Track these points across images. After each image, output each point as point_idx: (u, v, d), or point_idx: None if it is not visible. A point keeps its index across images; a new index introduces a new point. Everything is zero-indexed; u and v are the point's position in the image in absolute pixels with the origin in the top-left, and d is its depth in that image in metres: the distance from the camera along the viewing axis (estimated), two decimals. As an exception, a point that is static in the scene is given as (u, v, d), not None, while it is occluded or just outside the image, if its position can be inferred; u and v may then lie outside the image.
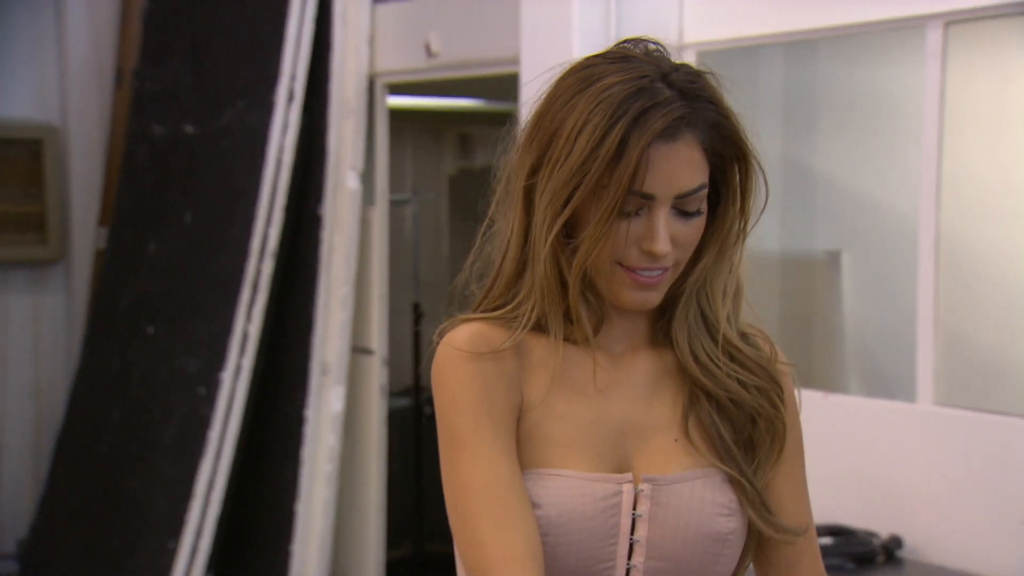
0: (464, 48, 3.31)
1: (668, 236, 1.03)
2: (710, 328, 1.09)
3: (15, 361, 4.15)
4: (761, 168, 1.08)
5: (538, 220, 1.05)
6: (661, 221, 1.03)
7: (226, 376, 3.40)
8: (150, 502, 3.49)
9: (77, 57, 4.18)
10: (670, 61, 1.06)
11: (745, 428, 1.09)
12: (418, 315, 4.37)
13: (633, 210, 1.03)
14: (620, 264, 1.05)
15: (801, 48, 2.84)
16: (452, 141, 4.95)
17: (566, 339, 1.09)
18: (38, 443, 4.15)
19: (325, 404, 3.50)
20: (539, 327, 1.09)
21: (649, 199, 1.02)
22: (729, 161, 1.05)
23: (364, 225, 3.61)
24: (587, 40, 2.61)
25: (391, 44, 3.53)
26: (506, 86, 3.06)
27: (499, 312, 1.09)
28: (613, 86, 1.01)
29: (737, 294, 1.10)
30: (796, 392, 1.14)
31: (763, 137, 2.89)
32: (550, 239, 1.04)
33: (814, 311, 2.85)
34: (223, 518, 3.38)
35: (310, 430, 3.46)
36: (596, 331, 1.10)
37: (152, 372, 3.63)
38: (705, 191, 1.04)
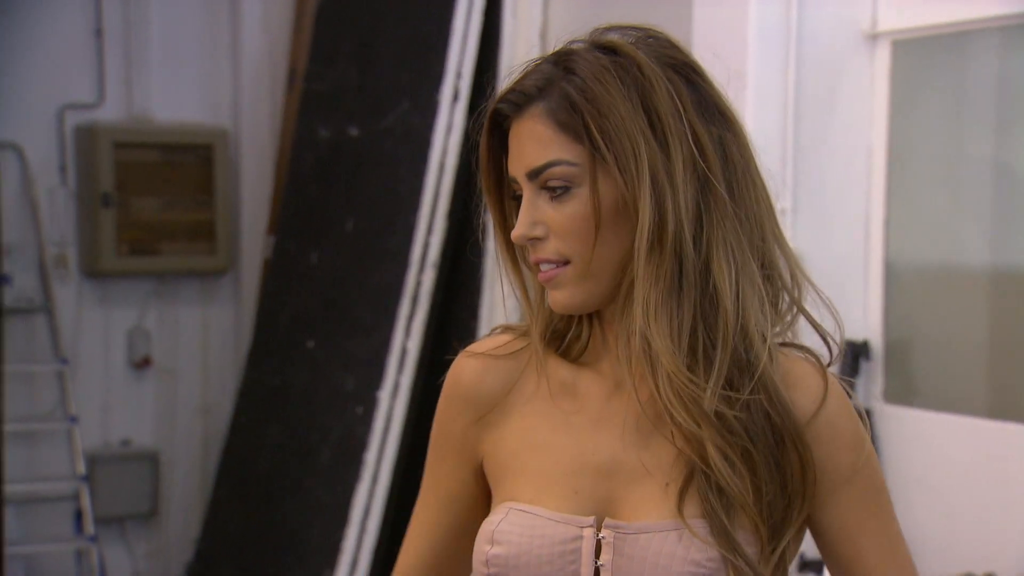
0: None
1: (527, 219, 1.06)
2: (653, 357, 1.03)
3: (184, 375, 4.42)
4: (728, 151, 1.05)
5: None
6: (523, 204, 1.08)
7: (384, 395, 3.54)
8: (306, 528, 3.69)
9: (251, 57, 4.45)
10: (596, 38, 1.11)
11: (765, 480, 1.03)
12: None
13: (518, 200, 1.09)
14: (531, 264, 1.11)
15: (1021, 34, 2.74)
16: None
17: (574, 360, 1.13)
18: (205, 462, 4.41)
19: (489, 428, 3.59)
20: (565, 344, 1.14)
21: (515, 183, 1.09)
22: (590, 139, 1.05)
23: (533, 235, 3.69)
24: (764, 34, 2.61)
25: (564, 38, 3.61)
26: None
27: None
28: None
29: (726, 311, 1.03)
30: (856, 425, 1.07)
31: (972, 138, 2.83)
32: (498, 246, 1.15)
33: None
34: (380, 547, 3.52)
35: (472, 455, 3.56)
36: (581, 349, 1.12)
37: (311, 390, 3.82)
38: (564, 167, 1.05)
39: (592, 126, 1.05)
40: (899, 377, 2.76)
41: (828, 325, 1.12)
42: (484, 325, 3.57)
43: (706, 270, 1.05)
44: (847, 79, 2.68)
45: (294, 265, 4.03)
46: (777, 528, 1.04)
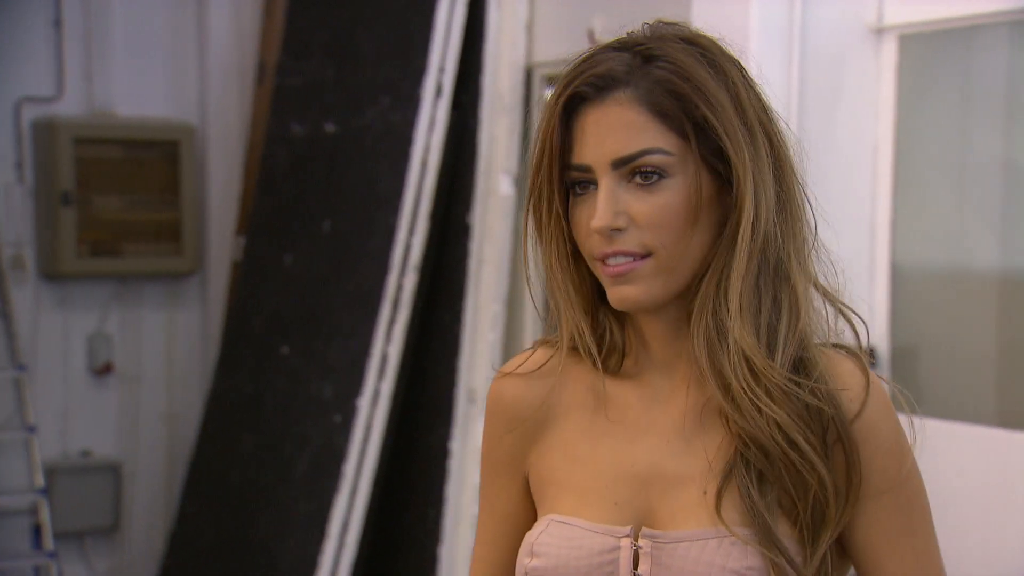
0: (631, 34, 3.35)
1: (609, 209, 1.05)
2: (733, 350, 1.05)
3: (148, 382, 4.37)
4: (751, 139, 1.06)
5: (534, 229, 1.13)
6: (601, 193, 1.06)
7: (363, 403, 3.53)
8: (280, 543, 3.66)
9: (219, 49, 4.41)
10: (662, 31, 1.10)
11: (799, 486, 1.04)
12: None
13: (582, 191, 1.08)
14: (596, 259, 1.09)
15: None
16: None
17: (613, 372, 1.13)
18: (170, 474, 4.36)
19: (472, 436, 3.58)
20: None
21: (587, 171, 1.07)
22: (693, 127, 1.06)
23: (518, 235, 3.68)
24: (767, 28, 2.61)
25: (551, 31, 3.60)
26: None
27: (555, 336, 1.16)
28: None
29: (796, 306, 1.06)
30: (901, 434, 1.08)
31: (981, 136, 2.83)
32: (542, 247, 1.12)
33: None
34: (359, 562, 3.50)
35: (455, 465, 3.55)
36: (619, 358, 1.13)
37: (286, 397, 3.80)
38: (660, 156, 1.05)
39: (696, 114, 1.05)
40: (906, 384, 2.76)
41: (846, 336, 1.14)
42: (468, 330, 3.56)
43: (780, 266, 1.07)
44: (852, 75, 2.69)
45: (267, 267, 4.00)
46: (817, 529, 1.04)
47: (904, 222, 2.79)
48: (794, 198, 1.10)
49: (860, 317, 1.13)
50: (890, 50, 2.68)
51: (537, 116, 1.11)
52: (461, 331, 3.57)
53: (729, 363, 1.05)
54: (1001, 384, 2.69)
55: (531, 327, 3.70)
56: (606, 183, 1.07)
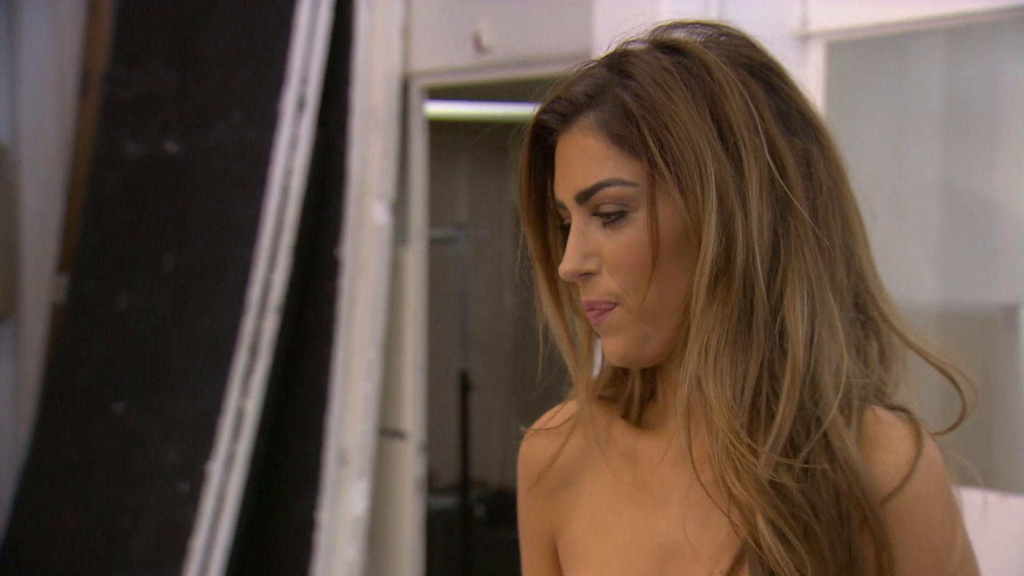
0: (523, 41, 3.39)
1: (576, 251, 1.07)
2: (708, 422, 1.03)
3: (-52, 447, 4.29)
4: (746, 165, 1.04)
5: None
6: (571, 234, 1.08)
7: (215, 468, 3.48)
8: (117, 633, 3.58)
9: (33, 55, 4.35)
10: (657, 36, 1.11)
11: (829, 563, 1.02)
12: (467, 387, 4.44)
13: (568, 231, 1.10)
14: (581, 307, 1.12)
15: (971, 36, 2.87)
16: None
17: (637, 423, 1.15)
18: (-25, 555, 4.26)
19: (343, 504, 3.56)
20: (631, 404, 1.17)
21: (563, 208, 1.10)
22: (659, 154, 1.04)
23: (396, 270, 3.69)
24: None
25: (431, 35, 3.63)
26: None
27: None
28: None
29: (797, 367, 1.02)
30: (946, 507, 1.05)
31: (918, 154, 2.91)
32: (540, 288, 1.15)
33: (986, 382, 2.84)
34: (210, 655, 3.45)
35: (323, 539, 3.52)
36: (639, 407, 1.15)
37: (120, 464, 3.72)
38: (618, 188, 1.05)
39: (649, 138, 1.04)
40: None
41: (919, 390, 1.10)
42: (338, 381, 3.54)
43: (777, 309, 1.04)
44: (775, 87, 2.76)
45: (97, 310, 3.93)
46: None
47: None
48: (827, 224, 1.06)
49: (964, 373, 1.09)
50: (816, 58, 2.77)
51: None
52: (330, 382, 3.55)
53: (705, 428, 1.04)
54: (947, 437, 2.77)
55: (411, 376, 3.70)
56: (576, 221, 1.08)
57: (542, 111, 1.10)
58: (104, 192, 4.01)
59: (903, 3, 2.71)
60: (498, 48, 3.47)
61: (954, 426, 1.12)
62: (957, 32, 2.82)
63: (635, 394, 1.15)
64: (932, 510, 1.04)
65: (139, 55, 3.99)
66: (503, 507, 4.72)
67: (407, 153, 3.72)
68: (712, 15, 2.80)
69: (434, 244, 4.05)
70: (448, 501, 4.43)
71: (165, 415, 3.65)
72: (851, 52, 2.76)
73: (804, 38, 2.78)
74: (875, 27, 2.74)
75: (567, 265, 1.07)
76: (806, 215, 1.05)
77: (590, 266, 1.07)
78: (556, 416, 1.19)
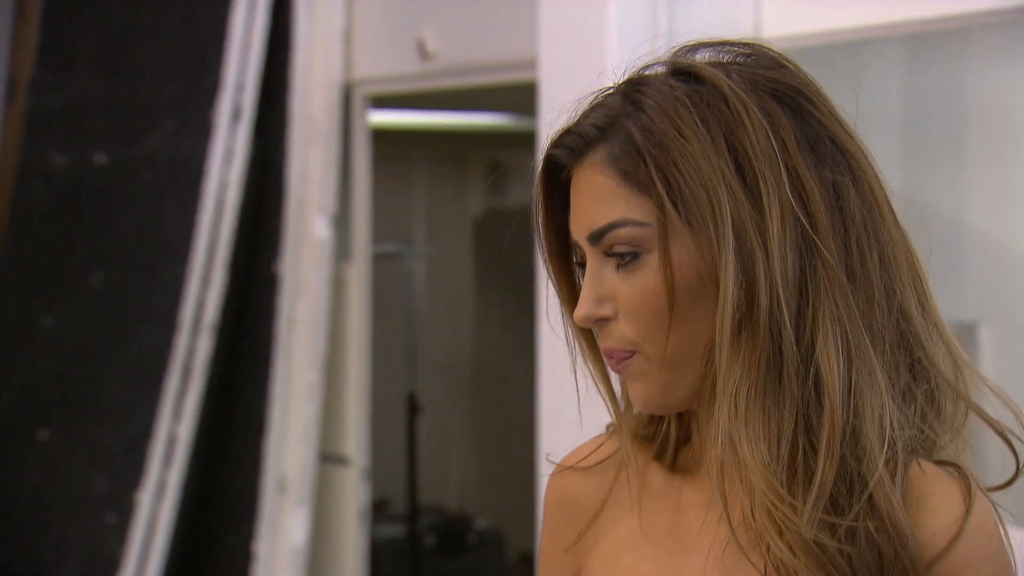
0: (469, 48, 3.39)
1: (591, 295, 1.05)
2: (743, 476, 1.03)
3: None
4: (801, 208, 1.01)
5: None
6: (586, 277, 1.07)
7: (145, 497, 3.45)
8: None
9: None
10: (676, 59, 1.08)
11: None
12: (414, 410, 4.43)
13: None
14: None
15: (931, 44, 2.89)
16: (479, 172, 5.05)
17: (671, 465, 1.14)
18: None
19: (282, 534, 3.54)
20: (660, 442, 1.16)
21: (577, 246, 1.09)
22: (669, 191, 1.03)
23: (338, 287, 3.68)
24: (627, 36, 2.68)
25: (374, 42, 3.63)
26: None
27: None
28: None
29: (835, 421, 1.00)
30: None
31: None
32: (569, 329, 1.13)
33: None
34: None
35: (261, 571, 3.49)
36: (674, 449, 1.13)
37: (43, 494, 3.69)
38: (630, 228, 1.03)
39: (655, 176, 1.02)
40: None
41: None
42: (277, 404, 3.53)
43: (809, 356, 1.01)
44: (728, 95, 2.76)
45: (18, 331, 3.90)
46: None
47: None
48: (863, 262, 1.03)
49: (1017, 413, 1.06)
50: (772, 67, 2.78)
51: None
52: (268, 405, 3.53)
53: (741, 485, 1.03)
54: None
55: (355, 398, 3.69)
56: (591, 263, 1.06)
57: (553, 145, 1.08)
58: (29, 205, 3.98)
59: (860, 8, 2.72)
60: (443, 55, 3.47)
61: (1008, 483, 1.08)
62: (917, 39, 2.83)
63: (671, 437, 1.14)
64: (980, 574, 1.02)
65: (66, 61, 3.96)
66: (454, 535, 4.71)
67: (349, 165, 3.72)
68: (662, 21, 2.81)
69: (379, 260, 4.04)
70: (396, 531, 4.42)
71: (92, 442, 3.63)
72: (806, 60, 2.78)
73: (757, 45, 2.79)
74: (831, 33, 2.76)
75: (581, 311, 1.06)
76: (835, 253, 1.02)
77: (605, 311, 1.06)
78: (594, 454, 1.17)
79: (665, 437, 1.14)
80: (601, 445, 1.18)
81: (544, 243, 1.11)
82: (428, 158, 4.96)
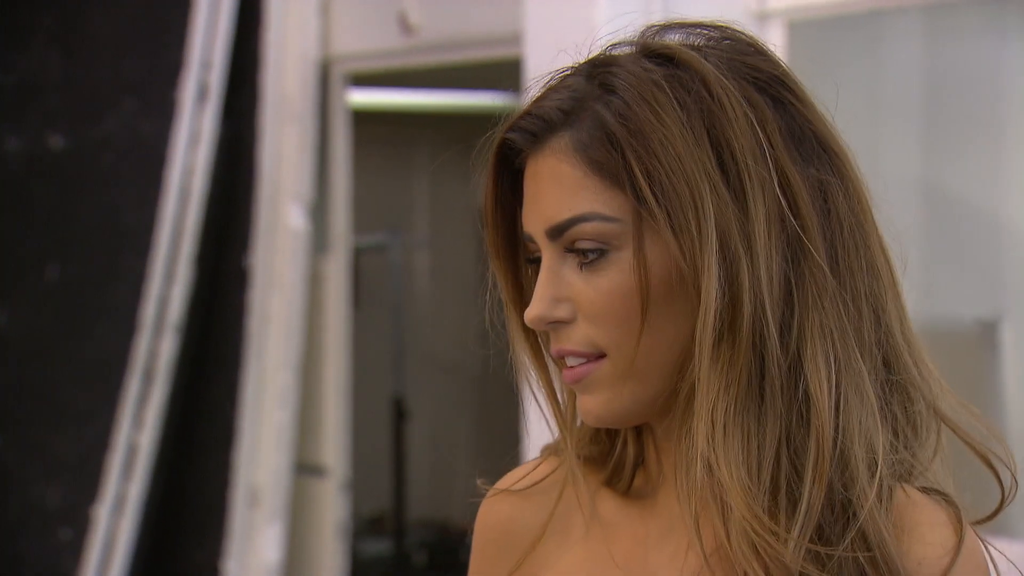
0: (454, 21, 3.40)
1: (547, 294, 1.03)
2: (720, 498, 1.01)
3: None
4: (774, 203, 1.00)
5: None
6: (540, 274, 1.04)
7: (103, 511, 3.46)
8: None
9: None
10: (646, 40, 1.06)
11: None
12: (401, 414, 4.44)
13: (538, 268, 1.06)
14: (553, 357, 1.08)
15: (953, 14, 2.89)
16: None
17: (623, 490, 1.12)
18: None
19: (254, 551, 3.55)
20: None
21: (533, 242, 1.06)
22: (644, 184, 1.00)
23: (315, 282, 3.69)
24: (616, 6, 2.68)
25: (353, 16, 3.63)
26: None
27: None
28: None
29: (824, 439, 0.99)
30: None
31: (894, 149, 2.92)
32: (511, 330, 1.12)
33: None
34: None
35: (231, 592, 3.52)
36: (630, 474, 1.11)
37: (-3, 505, 3.73)
38: (597, 223, 1.01)
39: (636, 167, 1.00)
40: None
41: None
42: (248, 409, 3.54)
43: (796, 371, 1.00)
44: (732, 71, 2.76)
45: (-29, 330, 3.93)
46: None
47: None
48: (849, 268, 1.03)
49: (1007, 462, 1.07)
50: (777, 40, 2.78)
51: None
52: (238, 411, 3.54)
53: (718, 512, 1.01)
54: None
55: (333, 403, 3.70)
56: (547, 260, 1.04)
57: (508, 128, 1.06)
58: (-19, 193, 4.01)
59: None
60: (427, 29, 3.48)
61: (992, 515, 1.09)
62: (937, 9, 2.83)
63: (626, 459, 1.11)
64: None
65: (20, 36, 3.98)
66: (447, 551, 4.72)
67: (327, 148, 3.72)
68: (659, -7, 2.81)
69: (361, 252, 4.05)
70: (381, 546, 4.44)
71: (46, 451, 3.64)
72: (816, 32, 2.78)
73: (762, 17, 2.79)
74: (843, 4, 2.76)
75: (534, 311, 1.03)
76: (824, 259, 1.01)
77: (561, 313, 1.04)
78: (530, 475, 1.15)
79: (620, 459, 1.12)
80: (537, 467, 1.15)
81: (491, 236, 1.09)
82: (407, 139, 4.96)
